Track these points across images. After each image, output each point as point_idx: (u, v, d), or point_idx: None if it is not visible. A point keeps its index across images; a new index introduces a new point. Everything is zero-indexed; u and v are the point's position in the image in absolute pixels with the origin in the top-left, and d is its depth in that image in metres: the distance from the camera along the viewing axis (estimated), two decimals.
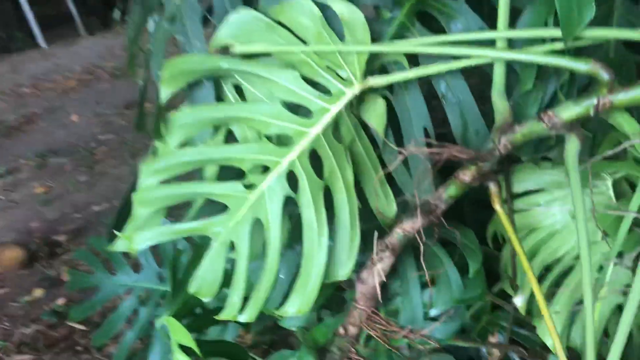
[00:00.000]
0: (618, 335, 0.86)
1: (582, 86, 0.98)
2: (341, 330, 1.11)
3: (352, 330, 1.10)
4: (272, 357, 1.29)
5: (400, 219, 1.02)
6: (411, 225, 1.00)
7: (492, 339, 1.41)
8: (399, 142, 1.00)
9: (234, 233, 0.97)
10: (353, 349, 1.13)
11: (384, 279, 1.04)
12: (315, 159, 0.97)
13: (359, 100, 1.01)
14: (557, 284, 1.33)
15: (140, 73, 1.20)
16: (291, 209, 0.99)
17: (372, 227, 1.13)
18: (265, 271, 0.95)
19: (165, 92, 0.97)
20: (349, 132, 1.00)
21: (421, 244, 0.97)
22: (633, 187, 1.13)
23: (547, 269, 1.23)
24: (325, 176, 0.98)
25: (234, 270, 0.97)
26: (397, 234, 1.01)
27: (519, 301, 1.25)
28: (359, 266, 1.06)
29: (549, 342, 1.18)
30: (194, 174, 1.02)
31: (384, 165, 1.05)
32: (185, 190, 0.98)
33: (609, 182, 1.21)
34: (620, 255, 1.11)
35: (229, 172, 1.02)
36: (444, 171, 1.00)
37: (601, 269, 1.19)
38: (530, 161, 1.18)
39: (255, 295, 0.96)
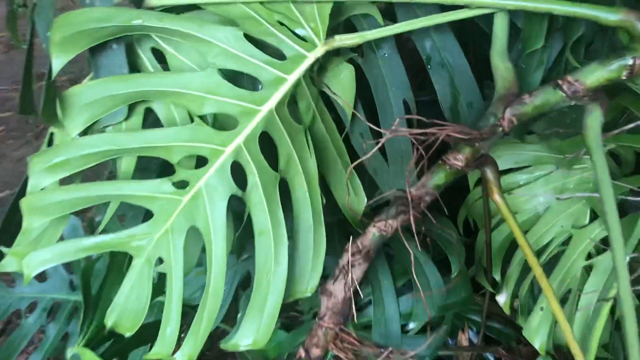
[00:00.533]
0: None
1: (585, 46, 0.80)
2: (301, 353, 0.90)
3: (315, 352, 0.89)
4: None
5: (373, 215, 0.82)
6: (388, 222, 0.80)
7: (463, 336, 1.26)
8: (372, 119, 0.79)
9: (162, 247, 0.73)
10: None
11: (357, 289, 0.83)
12: (267, 145, 0.75)
13: (321, 66, 0.78)
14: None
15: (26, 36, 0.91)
16: (237, 206, 0.77)
17: (335, 222, 0.93)
18: (208, 295, 0.73)
19: (57, 61, 0.70)
20: (308, 109, 0.78)
21: (406, 242, 0.78)
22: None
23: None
24: (281, 167, 0.76)
25: (165, 294, 0.74)
26: (371, 234, 0.81)
27: (502, 298, 1.09)
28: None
29: (537, 344, 1.04)
30: (102, 170, 0.77)
31: (350, 149, 0.84)
32: (93, 192, 0.73)
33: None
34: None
35: (153, 166, 0.77)
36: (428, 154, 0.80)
37: (589, 256, 1.06)
38: (515, 135, 1.01)
39: (195, 329, 0.73)
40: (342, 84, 0.78)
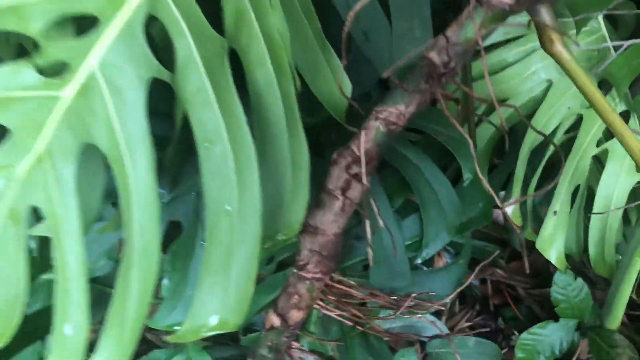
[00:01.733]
0: None
1: None
2: (273, 321, 0.63)
3: (296, 316, 0.62)
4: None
5: (372, 104, 0.54)
6: (399, 109, 0.52)
7: (440, 261, 1.04)
8: None
9: (35, 189, 0.40)
10: (295, 344, 0.66)
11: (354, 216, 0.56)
12: None
13: None
14: (549, 173, 0.98)
15: None
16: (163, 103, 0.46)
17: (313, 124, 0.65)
18: (133, 259, 0.42)
19: None
20: None
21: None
22: None
23: (536, 153, 0.86)
24: (228, 27, 0.45)
25: (55, 268, 0.42)
26: (373, 131, 0.53)
27: (509, 209, 0.87)
28: None
29: (553, 257, 0.83)
30: None
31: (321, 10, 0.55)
32: None
33: (600, 18, 0.85)
34: None
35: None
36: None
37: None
38: None
39: (116, 318, 0.42)
40: None
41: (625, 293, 0.79)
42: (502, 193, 0.96)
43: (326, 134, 0.67)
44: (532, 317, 1.00)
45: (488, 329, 1.01)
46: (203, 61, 0.42)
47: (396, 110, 0.52)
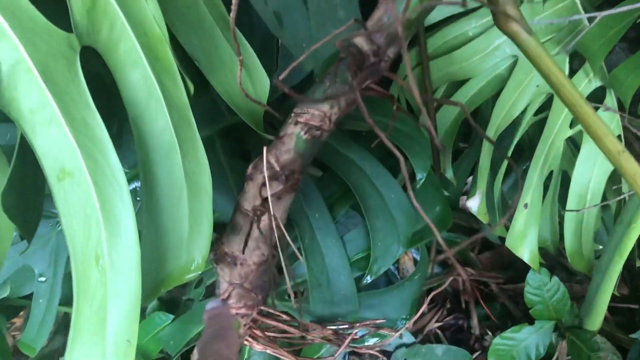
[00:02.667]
0: None
1: None
2: None
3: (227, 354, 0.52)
4: None
5: (287, 108, 0.44)
6: (322, 111, 0.42)
7: (406, 258, 0.94)
8: None
9: None
10: None
11: (285, 239, 0.47)
12: None
13: None
14: (520, 157, 0.88)
15: None
16: None
17: (217, 133, 0.55)
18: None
19: None
20: None
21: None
22: None
23: (503, 138, 0.76)
24: (77, 19, 0.34)
25: None
26: (293, 140, 0.42)
27: (474, 202, 0.77)
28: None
29: (525, 255, 0.74)
30: None
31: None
32: None
33: None
34: None
35: None
36: None
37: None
38: None
39: None
40: None
41: (606, 294, 0.70)
42: (470, 180, 0.87)
43: (252, 133, 0.57)
44: (507, 315, 0.91)
45: (460, 330, 0.93)
46: (39, 67, 0.31)
47: (319, 112, 0.42)
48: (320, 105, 0.42)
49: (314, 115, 0.42)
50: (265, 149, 0.40)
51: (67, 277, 0.61)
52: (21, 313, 0.84)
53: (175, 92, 0.38)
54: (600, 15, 0.51)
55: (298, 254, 0.48)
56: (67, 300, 0.60)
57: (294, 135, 0.42)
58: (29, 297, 0.63)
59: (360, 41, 0.39)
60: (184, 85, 0.39)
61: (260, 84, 0.45)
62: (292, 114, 0.42)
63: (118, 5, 0.35)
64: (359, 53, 0.39)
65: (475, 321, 0.90)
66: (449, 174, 0.81)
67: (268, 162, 0.42)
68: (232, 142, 0.57)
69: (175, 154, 0.39)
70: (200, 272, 0.41)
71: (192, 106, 0.47)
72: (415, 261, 0.93)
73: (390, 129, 0.56)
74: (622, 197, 0.71)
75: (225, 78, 0.43)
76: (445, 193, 0.83)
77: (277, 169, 0.42)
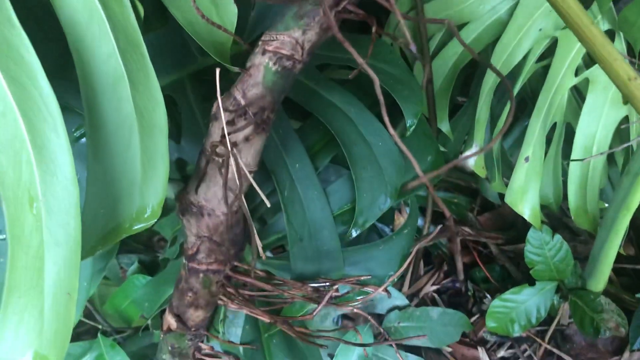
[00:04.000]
0: None
1: None
2: (170, 322, 0.49)
3: (195, 316, 0.48)
4: None
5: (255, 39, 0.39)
6: (293, 37, 0.37)
7: (400, 218, 0.90)
8: None
9: None
10: (204, 346, 0.53)
11: (252, 184, 0.42)
12: None
13: None
14: (521, 110, 0.83)
15: None
16: None
17: (186, 75, 0.50)
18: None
19: None
20: None
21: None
22: None
23: (503, 88, 0.71)
24: None
25: None
26: (261, 71, 0.38)
27: (471, 160, 0.72)
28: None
29: (526, 212, 0.69)
30: None
31: None
32: None
33: None
34: None
35: None
36: None
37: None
38: None
39: None
40: None
41: (611, 252, 0.66)
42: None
43: (225, 74, 0.52)
44: (507, 277, 0.87)
45: (458, 293, 0.89)
46: None
47: (289, 39, 0.37)
48: (290, 31, 0.37)
49: (284, 42, 0.37)
50: (217, 70, 0.35)
51: None
52: None
53: (122, 13, 0.33)
54: None
55: (267, 201, 0.43)
56: None
57: (262, 67, 0.37)
58: None
59: None
60: (133, 7, 0.34)
61: (225, 9, 0.40)
62: (260, 42, 0.38)
63: None
64: None
65: (461, 272, 0.85)
66: (446, 128, 0.76)
67: (234, 97, 0.37)
68: (205, 85, 0.53)
69: (123, 86, 0.34)
70: (155, 220, 0.36)
71: (159, 46, 0.43)
72: None
73: (369, 56, 0.51)
74: (629, 144, 0.66)
75: (184, 2, 0.38)
76: (442, 149, 0.79)
77: (243, 103, 0.38)
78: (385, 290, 0.49)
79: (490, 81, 0.69)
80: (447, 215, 0.28)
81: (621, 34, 0.68)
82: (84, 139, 0.46)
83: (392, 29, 0.72)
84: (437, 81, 0.75)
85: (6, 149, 0.29)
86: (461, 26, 0.71)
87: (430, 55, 0.74)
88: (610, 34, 0.69)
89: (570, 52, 0.68)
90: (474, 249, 0.90)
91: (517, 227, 0.91)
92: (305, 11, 0.36)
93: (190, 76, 0.52)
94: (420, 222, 0.88)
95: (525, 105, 0.81)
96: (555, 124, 0.72)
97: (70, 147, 0.30)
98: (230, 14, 0.40)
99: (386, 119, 0.30)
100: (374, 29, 0.38)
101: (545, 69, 0.70)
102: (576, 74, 0.70)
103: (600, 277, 0.70)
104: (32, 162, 0.30)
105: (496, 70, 0.35)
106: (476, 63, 0.78)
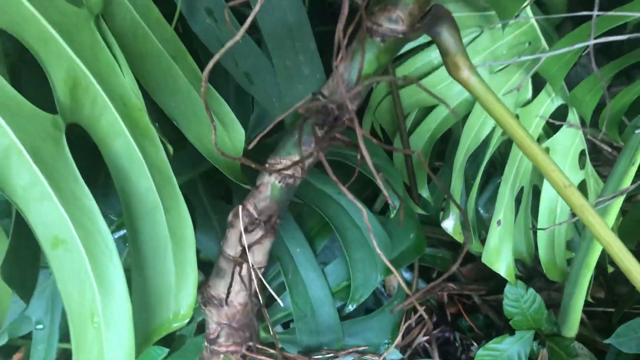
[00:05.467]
0: None
1: None
2: None
3: None
4: None
5: (262, 155, 0.47)
6: (297, 159, 0.45)
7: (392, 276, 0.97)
8: None
9: None
10: None
11: (263, 282, 0.50)
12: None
13: None
14: (488, 178, 0.92)
15: None
16: None
17: (199, 177, 0.57)
18: None
19: None
20: None
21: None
22: None
23: (475, 156, 0.80)
24: (62, 99, 0.37)
25: None
26: (269, 188, 0.46)
27: (449, 222, 0.80)
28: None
29: (502, 270, 0.78)
30: None
31: (193, 46, 0.47)
32: None
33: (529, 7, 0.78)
34: None
35: None
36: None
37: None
38: None
39: None
40: None
41: (579, 302, 0.74)
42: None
43: (211, 185, 0.60)
44: (491, 325, 0.95)
45: (447, 342, 0.96)
46: (28, 149, 0.34)
47: (291, 162, 0.45)
48: (291, 156, 0.45)
49: (287, 164, 0.45)
50: (240, 208, 0.43)
51: (64, 318, 0.64)
52: (19, 350, 0.86)
53: (156, 154, 0.41)
54: (544, 56, 0.55)
55: (271, 294, 0.51)
56: (65, 338, 0.63)
57: (270, 184, 0.45)
58: (26, 337, 0.66)
59: (328, 94, 0.42)
60: (164, 147, 0.42)
61: (236, 135, 0.48)
62: (267, 165, 0.46)
63: (98, 82, 0.38)
64: (324, 107, 0.42)
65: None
66: (426, 194, 0.84)
67: (247, 210, 0.45)
68: (214, 183, 0.60)
69: (159, 212, 0.42)
70: (188, 319, 0.44)
71: (173, 153, 0.50)
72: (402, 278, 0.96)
73: (359, 163, 0.60)
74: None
75: (202, 134, 0.46)
76: (424, 212, 0.87)
77: (256, 216, 0.45)
78: (382, 358, 0.56)
79: (461, 156, 0.77)
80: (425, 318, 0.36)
81: (574, 108, 0.77)
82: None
83: (371, 112, 0.81)
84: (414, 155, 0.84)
85: (73, 278, 0.37)
86: (433, 107, 0.80)
87: (408, 131, 0.83)
88: (565, 108, 0.78)
89: (531, 126, 0.77)
90: (459, 300, 0.97)
91: (497, 277, 0.99)
92: (303, 140, 0.44)
93: (201, 176, 0.60)
94: (408, 276, 0.96)
95: (495, 168, 0.90)
96: (522, 187, 0.81)
97: (123, 273, 0.38)
98: (239, 138, 0.48)
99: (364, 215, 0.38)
100: (358, 157, 0.47)
101: (511, 140, 0.78)
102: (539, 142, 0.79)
103: (572, 324, 0.78)
104: (94, 287, 0.37)
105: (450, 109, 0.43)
106: (449, 135, 0.87)
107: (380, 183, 0.40)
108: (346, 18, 0.39)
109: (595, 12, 0.54)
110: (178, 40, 0.44)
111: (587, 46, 0.66)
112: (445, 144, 0.93)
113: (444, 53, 0.44)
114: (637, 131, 0.60)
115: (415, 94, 0.79)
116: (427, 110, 0.81)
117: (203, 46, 0.46)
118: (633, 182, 0.64)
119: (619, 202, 0.64)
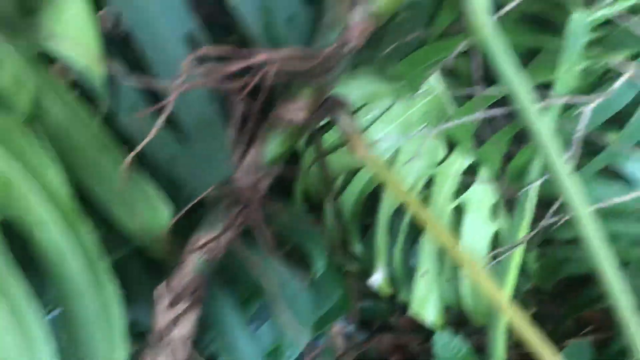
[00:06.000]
0: None
1: None
2: None
3: None
4: None
5: (188, 230, 0.52)
6: (213, 234, 0.50)
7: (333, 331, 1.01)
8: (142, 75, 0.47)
9: None
10: None
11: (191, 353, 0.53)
12: None
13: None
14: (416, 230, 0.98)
15: None
16: None
17: (132, 252, 0.61)
18: None
19: None
20: (20, 83, 0.43)
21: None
22: None
23: (398, 213, 0.85)
24: None
25: None
26: (192, 265, 0.50)
27: (378, 277, 0.86)
28: None
29: (430, 319, 0.83)
30: None
31: (126, 137, 0.52)
32: None
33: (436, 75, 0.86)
34: None
35: None
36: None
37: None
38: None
39: None
40: (71, 25, 0.44)
41: (499, 345, 0.79)
42: None
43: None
44: None
45: None
46: None
47: (212, 238, 0.50)
48: (213, 233, 0.50)
49: (207, 240, 0.50)
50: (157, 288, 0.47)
51: None
52: None
53: (85, 238, 0.45)
54: (444, 127, 0.63)
55: None
56: None
57: (192, 262, 0.50)
58: None
59: (236, 180, 0.48)
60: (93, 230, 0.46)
61: (161, 216, 0.52)
62: (189, 242, 0.50)
63: (29, 179, 0.42)
64: (237, 189, 0.48)
65: None
66: (358, 249, 0.89)
67: (171, 285, 0.49)
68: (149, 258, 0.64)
69: (89, 286, 0.45)
70: None
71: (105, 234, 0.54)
72: (345, 335, 1.01)
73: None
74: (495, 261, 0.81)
75: (127, 216, 0.51)
76: (351, 269, 0.92)
77: (180, 289, 0.50)
78: None
79: (387, 206, 0.83)
80: None
81: (485, 164, 0.85)
82: None
83: (304, 177, 0.87)
84: (346, 211, 0.89)
85: None
86: (358, 169, 0.86)
87: (338, 192, 0.89)
88: (477, 164, 0.86)
89: (445, 185, 0.84)
90: (399, 349, 1.02)
91: None
92: (220, 217, 0.49)
93: (136, 251, 0.64)
94: (351, 329, 1.00)
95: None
96: None
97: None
98: (164, 216, 0.53)
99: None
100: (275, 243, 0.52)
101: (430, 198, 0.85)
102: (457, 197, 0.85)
103: None
104: None
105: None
106: (376, 193, 0.93)
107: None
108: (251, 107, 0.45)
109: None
110: (104, 135, 0.49)
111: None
112: (375, 202, 0.99)
113: (342, 134, 0.51)
114: (526, 188, 0.68)
115: (341, 158, 0.85)
116: (354, 172, 0.87)
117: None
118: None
119: (518, 253, 0.71)
